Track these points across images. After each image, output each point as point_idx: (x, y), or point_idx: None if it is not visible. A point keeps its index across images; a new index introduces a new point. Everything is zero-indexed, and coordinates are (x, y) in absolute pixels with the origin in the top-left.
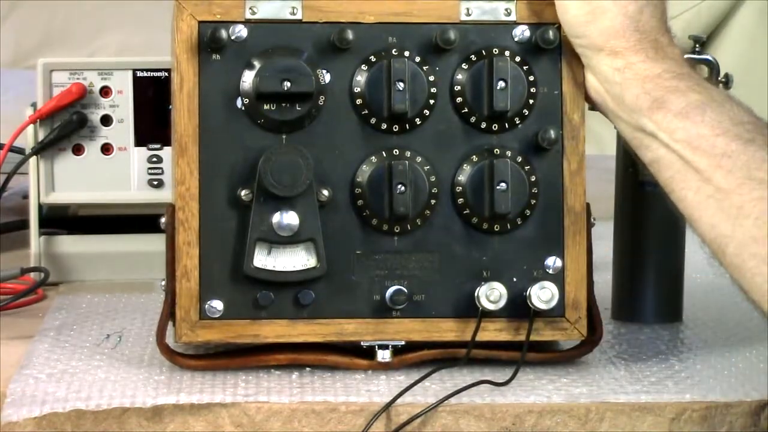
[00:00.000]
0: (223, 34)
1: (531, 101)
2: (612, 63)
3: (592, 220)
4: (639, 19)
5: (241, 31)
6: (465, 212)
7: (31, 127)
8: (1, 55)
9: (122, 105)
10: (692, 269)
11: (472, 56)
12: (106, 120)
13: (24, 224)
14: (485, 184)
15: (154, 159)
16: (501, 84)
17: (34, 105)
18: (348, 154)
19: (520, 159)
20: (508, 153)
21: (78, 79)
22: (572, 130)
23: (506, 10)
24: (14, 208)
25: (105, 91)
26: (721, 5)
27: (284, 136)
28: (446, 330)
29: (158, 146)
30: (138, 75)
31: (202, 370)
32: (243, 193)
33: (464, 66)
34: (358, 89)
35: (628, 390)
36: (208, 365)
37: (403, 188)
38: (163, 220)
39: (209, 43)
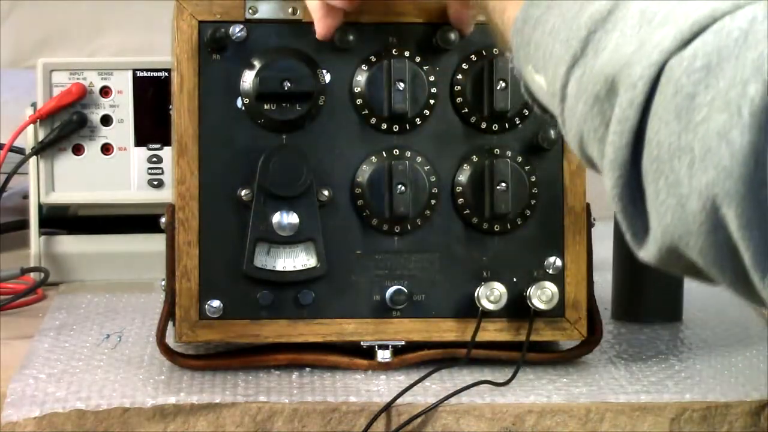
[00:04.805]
0: (223, 34)
1: None
2: None
3: (592, 220)
4: None
5: (241, 31)
6: (465, 212)
7: (31, 127)
8: (1, 55)
9: (122, 105)
10: None
11: (472, 56)
12: (106, 120)
13: (24, 224)
14: (485, 184)
15: (154, 159)
16: (501, 84)
17: (34, 105)
18: (348, 154)
19: (520, 159)
20: (508, 153)
21: (78, 79)
22: None
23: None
24: (14, 208)
25: (105, 91)
26: None
27: (284, 136)
28: (446, 330)
29: (158, 146)
30: (138, 75)
31: (202, 370)
32: (243, 193)
33: (464, 66)
34: (358, 89)
35: (628, 390)
36: (208, 365)
37: (403, 188)
38: (163, 220)
39: (209, 43)
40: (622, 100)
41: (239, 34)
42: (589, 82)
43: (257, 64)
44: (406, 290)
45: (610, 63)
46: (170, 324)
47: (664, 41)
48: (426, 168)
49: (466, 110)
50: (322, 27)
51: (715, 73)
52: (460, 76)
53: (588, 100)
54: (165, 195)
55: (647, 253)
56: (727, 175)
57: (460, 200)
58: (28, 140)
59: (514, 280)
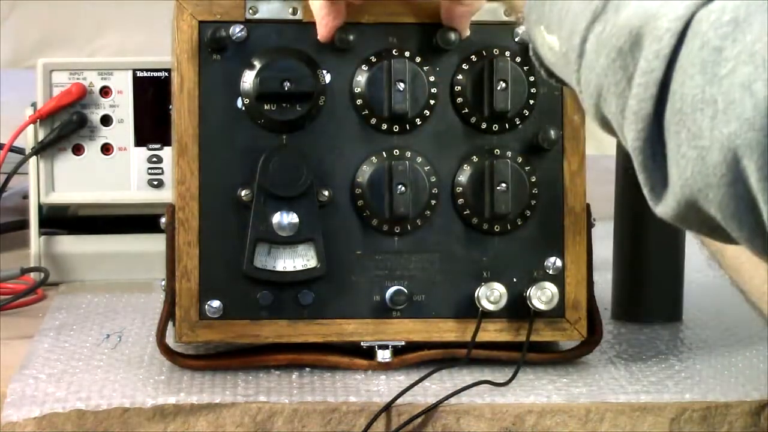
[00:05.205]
0: (224, 34)
1: (531, 102)
2: None
3: (592, 220)
4: None
5: (242, 31)
6: (465, 212)
7: (31, 127)
8: (1, 55)
9: (122, 105)
10: (692, 269)
11: (473, 56)
12: (106, 120)
13: (24, 224)
14: (485, 185)
15: (154, 159)
16: (501, 84)
17: (34, 105)
18: (348, 154)
19: (520, 159)
20: (509, 153)
21: (78, 79)
22: (572, 130)
23: (506, 10)
24: (14, 208)
25: (105, 91)
26: None
27: (284, 136)
28: (446, 330)
29: (158, 146)
30: (138, 75)
31: (202, 370)
32: (243, 193)
33: (464, 66)
34: (359, 89)
35: (628, 390)
36: (208, 365)
37: (403, 188)
38: (163, 220)
39: (209, 43)
40: (648, 52)
41: (239, 34)
42: (612, 35)
43: (257, 64)
44: (406, 290)
45: (635, 16)
46: (170, 324)
47: None
48: (426, 168)
49: (466, 110)
50: (324, 27)
51: (743, 27)
52: (460, 77)
53: (610, 53)
54: (165, 195)
55: (665, 207)
56: (750, 126)
57: (460, 200)
58: (28, 140)
59: (514, 280)
